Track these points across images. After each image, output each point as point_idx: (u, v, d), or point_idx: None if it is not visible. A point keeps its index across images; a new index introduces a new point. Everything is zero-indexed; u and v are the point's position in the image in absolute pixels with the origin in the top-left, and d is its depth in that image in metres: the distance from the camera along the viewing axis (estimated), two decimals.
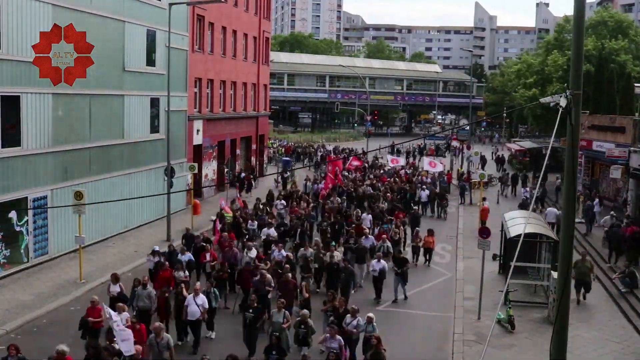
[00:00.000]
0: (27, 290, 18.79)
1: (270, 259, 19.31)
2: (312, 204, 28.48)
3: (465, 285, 20.88)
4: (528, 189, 35.87)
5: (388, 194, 31.27)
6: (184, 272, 17.43)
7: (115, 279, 16.35)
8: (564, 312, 8.49)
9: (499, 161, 53.63)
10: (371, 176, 39.47)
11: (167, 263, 17.70)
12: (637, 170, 28.39)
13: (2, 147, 19.43)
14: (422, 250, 23.56)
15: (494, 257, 22.69)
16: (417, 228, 25.16)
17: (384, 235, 22.19)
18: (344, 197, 30.84)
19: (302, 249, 20.19)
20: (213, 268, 18.73)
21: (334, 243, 21.46)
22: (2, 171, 19.46)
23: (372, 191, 32.22)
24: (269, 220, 24.18)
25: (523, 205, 31.44)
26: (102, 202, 22.56)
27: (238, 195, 32.23)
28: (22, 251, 20.58)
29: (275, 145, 59.68)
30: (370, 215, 26.10)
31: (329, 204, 28.55)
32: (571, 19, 8.20)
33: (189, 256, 19.02)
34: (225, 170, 36.52)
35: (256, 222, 24.32)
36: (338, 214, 26.48)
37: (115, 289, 16.07)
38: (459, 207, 35.43)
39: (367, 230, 23.34)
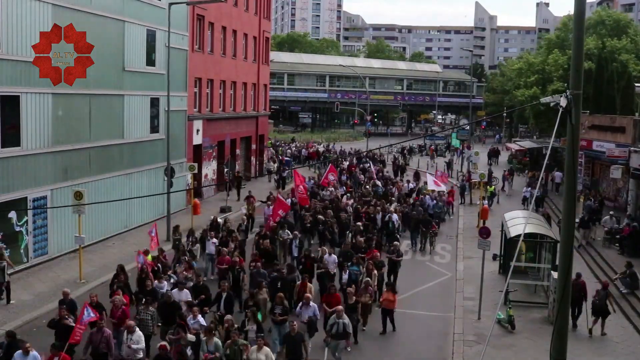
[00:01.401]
0: (27, 290, 18.80)
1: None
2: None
3: (465, 285, 20.88)
4: (529, 188, 35.86)
5: (358, 223, 23.36)
6: None
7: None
8: (564, 312, 8.49)
9: (490, 155, 54.48)
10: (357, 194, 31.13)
11: None
12: (637, 170, 28.37)
13: (2, 147, 19.43)
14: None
15: (494, 257, 22.67)
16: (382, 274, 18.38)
17: (339, 307, 14.04)
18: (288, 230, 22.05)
19: (204, 338, 12.75)
20: None
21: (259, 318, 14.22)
22: (2, 171, 19.46)
23: (340, 216, 24.04)
24: (185, 272, 17.04)
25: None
26: (102, 202, 22.58)
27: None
28: (22, 251, 20.58)
29: (290, 152, 53.63)
30: (333, 257, 18.79)
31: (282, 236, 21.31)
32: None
33: (34, 356, 11.88)
34: (225, 170, 36.50)
35: (165, 283, 16.23)
36: (266, 257, 18.59)
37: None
38: (459, 207, 35.43)
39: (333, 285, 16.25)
